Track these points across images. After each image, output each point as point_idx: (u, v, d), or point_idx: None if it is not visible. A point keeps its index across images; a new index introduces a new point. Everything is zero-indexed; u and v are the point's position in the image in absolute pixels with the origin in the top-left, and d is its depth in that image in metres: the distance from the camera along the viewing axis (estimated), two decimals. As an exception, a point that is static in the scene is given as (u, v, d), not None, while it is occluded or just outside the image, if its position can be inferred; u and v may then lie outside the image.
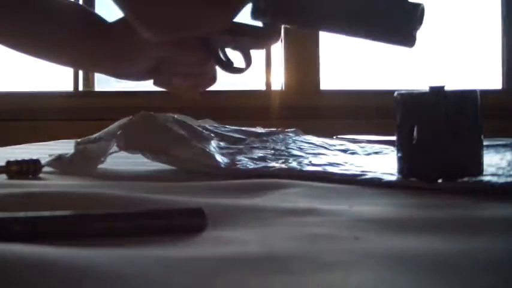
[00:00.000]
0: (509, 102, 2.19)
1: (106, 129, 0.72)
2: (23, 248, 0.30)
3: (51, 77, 2.29)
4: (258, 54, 0.65)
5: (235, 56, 0.69)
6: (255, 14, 0.61)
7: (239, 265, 0.29)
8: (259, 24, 0.64)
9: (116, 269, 0.28)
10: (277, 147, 0.76)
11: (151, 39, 0.61)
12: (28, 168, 0.64)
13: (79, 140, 0.72)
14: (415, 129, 0.53)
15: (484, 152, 0.55)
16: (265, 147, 0.76)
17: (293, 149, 0.76)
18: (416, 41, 0.56)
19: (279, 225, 0.39)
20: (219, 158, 0.67)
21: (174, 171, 0.69)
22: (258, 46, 0.66)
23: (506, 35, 2.30)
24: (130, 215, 0.37)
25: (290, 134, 0.86)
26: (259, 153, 0.72)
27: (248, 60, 0.68)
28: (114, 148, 0.68)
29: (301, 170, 0.63)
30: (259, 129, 0.85)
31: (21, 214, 0.35)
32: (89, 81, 2.32)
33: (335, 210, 0.43)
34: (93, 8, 2.26)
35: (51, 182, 0.61)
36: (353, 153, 0.77)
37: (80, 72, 2.30)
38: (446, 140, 0.53)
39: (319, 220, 0.40)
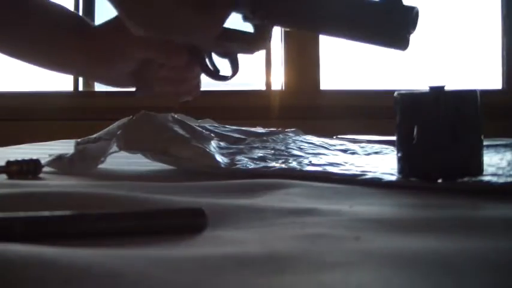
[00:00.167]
0: (509, 102, 2.19)
1: (106, 129, 0.72)
2: (23, 248, 0.30)
3: (51, 77, 2.29)
4: (248, 60, 0.65)
5: (221, 63, 0.68)
6: (246, 16, 0.61)
7: (239, 265, 0.29)
8: (248, 29, 0.63)
9: (116, 269, 0.28)
10: (277, 147, 0.76)
11: (139, 34, 0.60)
12: (28, 168, 0.64)
13: (79, 140, 0.72)
14: (415, 129, 0.53)
15: (484, 152, 0.55)
16: (265, 147, 0.76)
17: (293, 149, 0.76)
18: (409, 44, 0.56)
19: (279, 225, 0.39)
20: (219, 158, 0.67)
21: (174, 171, 0.69)
22: (246, 51, 0.65)
23: (506, 35, 2.30)
24: (130, 215, 0.37)
25: (290, 134, 0.86)
26: (259, 153, 0.72)
27: (235, 67, 0.68)
28: (114, 148, 0.68)
29: (301, 170, 0.63)
30: (259, 129, 0.85)
31: (21, 214, 0.35)
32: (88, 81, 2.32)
33: (335, 210, 0.43)
34: (93, 8, 2.26)
35: (51, 182, 0.61)
36: (353, 153, 0.77)
37: (80, 72, 2.30)
38: (446, 140, 0.53)
39: (319, 220, 0.40)
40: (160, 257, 0.30)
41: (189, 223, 0.38)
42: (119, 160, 0.74)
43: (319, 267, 0.29)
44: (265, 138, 0.81)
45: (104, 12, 0.67)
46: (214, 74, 0.69)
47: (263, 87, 2.33)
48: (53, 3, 0.74)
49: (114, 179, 0.59)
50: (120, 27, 0.61)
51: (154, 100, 0.74)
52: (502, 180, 0.52)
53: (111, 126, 0.73)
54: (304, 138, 0.84)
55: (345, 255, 0.31)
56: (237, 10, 0.61)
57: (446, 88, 0.53)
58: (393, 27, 0.56)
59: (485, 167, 0.55)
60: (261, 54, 2.28)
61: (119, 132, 0.68)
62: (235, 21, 0.63)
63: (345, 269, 0.29)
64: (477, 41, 2.36)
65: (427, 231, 0.37)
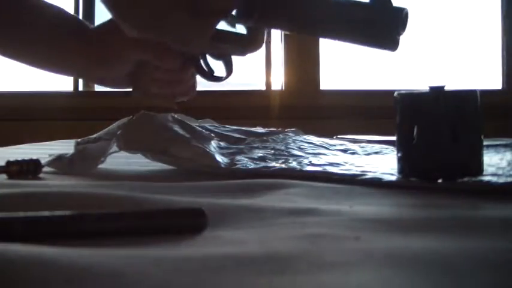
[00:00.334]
0: (509, 102, 2.19)
1: (106, 129, 0.73)
2: (23, 248, 0.30)
3: (51, 77, 2.29)
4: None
5: (216, 64, 0.69)
6: (239, 18, 0.61)
7: (239, 265, 0.29)
8: (241, 31, 0.63)
9: (116, 269, 0.28)
10: (277, 147, 0.76)
11: (133, 36, 0.61)
12: (28, 168, 0.64)
13: (79, 140, 0.72)
14: (415, 129, 0.53)
15: (484, 152, 0.55)
16: (265, 147, 0.76)
17: (293, 148, 0.76)
18: (399, 45, 0.56)
19: (279, 225, 0.39)
20: (219, 158, 0.67)
21: (174, 171, 0.69)
22: (239, 52, 0.66)
23: (506, 35, 2.30)
24: (130, 215, 0.37)
25: (290, 134, 0.86)
26: (259, 153, 0.72)
27: (229, 68, 0.68)
28: (114, 148, 0.68)
29: (301, 170, 0.63)
30: (259, 129, 0.85)
31: (21, 214, 0.35)
32: (88, 81, 2.32)
33: (335, 210, 0.43)
34: (93, 10, 2.26)
35: (51, 182, 0.61)
36: (353, 153, 0.77)
37: (80, 72, 2.30)
38: (446, 140, 0.53)
39: (319, 220, 0.40)
40: (160, 257, 0.30)
41: (189, 223, 0.38)
42: (119, 160, 0.74)
43: (319, 267, 0.29)
44: (265, 138, 0.81)
45: (104, 14, 0.67)
46: (209, 75, 0.69)
47: (263, 87, 2.33)
48: (52, 5, 0.74)
49: (114, 179, 0.59)
50: (115, 29, 0.61)
51: (151, 101, 0.74)
52: (502, 180, 0.52)
53: (111, 126, 0.73)
54: (304, 138, 0.84)
55: (345, 255, 0.31)
56: (232, 16, 0.61)
57: (446, 88, 0.53)
58: (383, 28, 0.56)
59: (485, 167, 0.55)
60: (260, 54, 2.28)
61: (119, 132, 0.68)
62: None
63: (345, 269, 0.29)
64: (477, 41, 2.36)
65: (427, 231, 0.37)
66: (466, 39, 2.36)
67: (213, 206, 0.42)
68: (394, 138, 0.56)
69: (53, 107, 2.18)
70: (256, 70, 2.32)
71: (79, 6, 2.28)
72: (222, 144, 0.75)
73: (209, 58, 0.69)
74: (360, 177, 0.58)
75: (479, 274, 0.28)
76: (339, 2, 0.58)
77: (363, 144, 0.84)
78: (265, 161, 0.68)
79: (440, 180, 0.53)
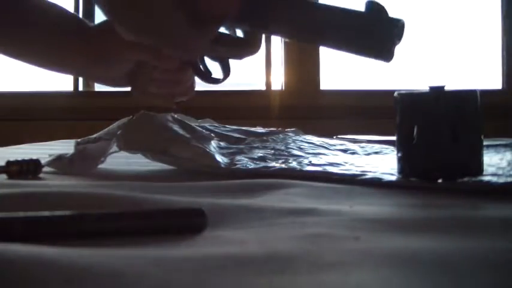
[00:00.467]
0: (509, 102, 2.19)
1: (106, 129, 0.73)
2: (23, 248, 0.30)
3: (51, 77, 2.29)
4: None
5: (214, 66, 0.69)
6: (236, 22, 0.61)
7: (239, 265, 0.29)
8: (239, 34, 0.63)
9: (116, 269, 0.28)
10: (277, 147, 0.76)
11: (130, 39, 0.61)
12: (28, 168, 0.64)
13: (79, 140, 0.72)
14: (415, 129, 0.53)
15: (484, 152, 0.55)
16: (265, 147, 0.76)
17: (293, 148, 0.76)
18: (394, 56, 0.56)
19: (279, 225, 0.39)
20: (219, 158, 0.67)
21: (174, 171, 0.69)
22: (236, 56, 0.66)
23: (506, 35, 2.30)
24: (130, 215, 0.37)
25: (290, 134, 0.86)
26: (259, 153, 0.72)
27: (226, 71, 0.68)
28: (114, 148, 0.68)
29: (301, 170, 0.63)
30: (259, 129, 0.85)
31: (21, 214, 0.35)
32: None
33: (335, 210, 0.43)
34: (93, 9, 2.26)
35: (51, 182, 0.61)
36: (353, 153, 0.77)
37: (80, 72, 2.30)
38: (446, 140, 0.53)
39: (319, 220, 0.40)
40: (160, 257, 0.30)
41: (189, 223, 0.38)
42: (119, 160, 0.74)
43: (319, 267, 0.29)
44: (265, 138, 0.81)
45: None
46: (207, 77, 0.70)
47: (263, 87, 2.33)
48: (52, 4, 0.74)
49: (114, 179, 0.59)
50: (113, 29, 0.61)
51: (150, 100, 0.74)
52: (502, 180, 0.52)
53: (111, 126, 0.73)
54: (304, 138, 0.84)
55: (345, 255, 0.31)
56: (231, 22, 0.62)
57: (446, 88, 0.53)
58: (377, 38, 0.56)
59: (485, 167, 0.55)
60: (260, 54, 2.28)
61: (119, 132, 0.68)
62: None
63: (345, 269, 0.29)
64: (477, 41, 2.36)
65: (426, 231, 0.37)
66: (466, 39, 2.36)
67: (213, 206, 0.42)
68: (394, 138, 0.56)
69: (53, 107, 2.18)
70: (256, 70, 2.32)
71: (79, 5, 2.28)
72: (222, 144, 0.75)
73: (207, 60, 0.69)
74: (360, 177, 0.58)
75: (479, 274, 0.28)
76: (334, 11, 0.58)
77: (363, 144, 0.84)
78: (265, 161, 0.68)
79: (440, 180, 0.53)
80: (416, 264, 0.30)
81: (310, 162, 0.67)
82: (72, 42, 0.72)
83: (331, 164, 0.65)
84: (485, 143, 0.56)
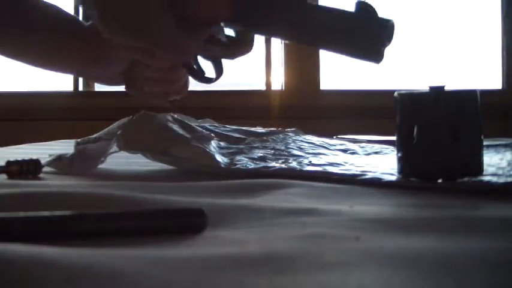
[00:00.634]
0: (509, 102, 2.19)
1: (106, 129, 0.73)
2: (23, 248, 0.30)
3: (51, 77, 2.29)
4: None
5: (207, 65, 0.69)
6: (228, 22, 0.61)
7: (239, 265, 0.29)
8: (231, 33, 0.64)
9: (116, 269, 0.28)
10: (277, 147, 0.76)
11: (116, 41, 0.61)
12: (28, 168, 0.64)
13: (79, 140, 0.72)
14: (415, 129, 0.53)
15: (484, 152, 0.55)
16: (265, 147, 0.76)
17: (293, 148, 0.76)
18: (383, 57, 0.55)
19: (279, 225, 0.39)
20: (219, 158, 0.67)
21: (174, 171, 0.69)
22: (229, 56, 0.66)
23: (506, 35, 2.30)
24: (130, 215, 0.37)
25: (290, 134, 0.85)
26: (259, 153, 0.72)
27: (219, 70, 0.68)
28: (114, 148, 0.68)
29: (301, 170, 0.63)
30: (259, 129, 0.85)
31: (21, 214, 0.35)
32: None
33: (335, 210, 0.43)
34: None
35: (51, 182, 0.61)
36: (353, 153, 0.77)
37: (80, 72, 2.30)
38: (446, 140, 0.53)
39: (319, 220, 0.40)
40: (160, 257, 0.30)
41: (189, 223, 0.38)
42: (119, 160, 0.74)
43: (319, 267, 0.29)
44: (265, 138, 0.81)
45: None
46: (200, 76, 0.70)
47: (263, 87, 2.33)
48: (50, 4, 0.74)
49: (114, 179, 0.59)
50: None
51: (144, 99, 0.74)
52: (502, 180, 0.52)
53: (111, 126, 0.73)
54: (304, 138, 0.84)
55: (345, 255, 0.31)
56: (224, 23, 0.62)
57: (446, 88, 0.53)
58: (367, 39, 0.55)
59: (485, 167, 0.55)
60: (260, 54, 2.29)
61: (119, 132, 0.68)
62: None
63: (345, 269, 0.29)
64: (477, 41, 2.36)
65: (427, 231, 0.37)
66: (466, 39, 2.36)
67: (213, 206, 0.42)
68: (394, 138, 0.56)
69: (53, 107, 2.18)
70: (256, 70, 2.32)
71: (79, 7, 2.28)
72: (222, 144, 0.75)
73: (200, 60, 0.69)
74: (360, 177, 0.58)
75: (479, 274, 0.28)
76: (323, 11, 0.58)
77: (363, 144, 0.84)
78: (265, 161, 0.68)
79: (440, 180, 0.53)
80: (417, 264, 0.30)
81: (310, 162, 0.67)
82: (72, 42, 0.72)
83: (331, 164, 0.65)
84: (485, 143, 0.56)
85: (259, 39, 0.65)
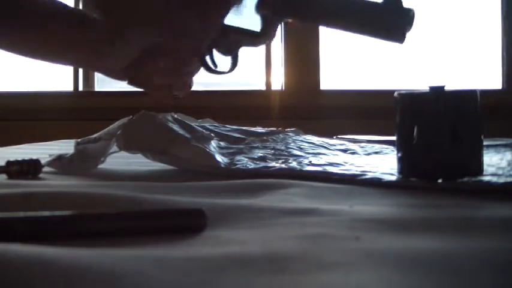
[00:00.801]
0: (509, 102, 2.19)
1: (106, 129, 0.73)
2: (23, 248, 0.30)
3: (51, 77, 2.29)
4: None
5: (221, 59, 0.70)
6: (258, 7, 0.65)
7: (239, 265, 0.29)
8: (254, 28, 0.66)
9: (116, 269, 0.28)
10: (277, 147, 0.76)
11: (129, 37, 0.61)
12: (28, 168, 0.64)
13: (79, 140, 0.72)
14: (415, 129, 0.53)
15: (484, 152, 0.55)
16: (265, 147, 0.76)
17: (293, 148, 0.76)
18: (406, 39, 0.64)
19: (279, 225, 0.39)
20: (219, 158, 0.67)
21: (174, 171, 0.69)
22: (252, 43, 0.69)
23: (506, 35, 2.30)
24: (130, 215, 0.37)
25: (290, 134, 0.86)
26: (259, 153, 0.72)
27: (234, 63, 0.70)
28: (114, 148, 0.68)
29: (301, 170, 0.63)
30: (259, 129, 0.85)
31: (21, 214, 0.35)
32: (88, 81, 2.32)
33: (335, 210, 0.43)
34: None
35: (51, 182, 0.61)
36: (353, 153, 0.77)
37: (80, 72, 2.30)
38: (446, 140, 0.53)
39: (319, 220, 0.40)
40: (160, 257, 0.30)
41: (189, 223, 0.38)
42: (119, 160, 0.74)
43: (319, 267, 0.29)
44: (265, 138, 0.81)
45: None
46: (212, 69, 0.70)
47: (263, 87, 2.33)
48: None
49: (114, 179, 0.59)
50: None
51: (147, 92, 0.74)
52: (502, 180, 0.52)
53: (111, 126, 0.73)
54: (304, 138, 0.84)
55: (345, 255, 0.31)
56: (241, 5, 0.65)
57: (446, 88, 0.53)
58: (393, 24, 0.63)
59: (485, 167, 0.55)
60: (260, 54, 2.29)
61: (119, 132, 0.68)
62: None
63: (345, 269, 0.29)
64: (477, 41, 2.36)
65: (426, 231, 0.37)
66: (466, 39, 2.36)
67: (213, 206, 0.42)
68: (394, 138, 0.56)
69: (53, 107, 2.18)
70: (256, 70, 2.32)
71: (79, 6, 2.28)
72: (222, 144, 0.75)
73: (215, 52, 0.70)
74: (359, 177, 0.58)
75: (479, 274, 0.28)
76: (358, 1, 0.66)
77: (362, 144, 0.84)
78: (265, 161, 0.68)
79: (440, 180, 0.53)
80: (417, 264, 0.30)
81: (310, 162, 0.67)
82: (74, 33, 0.71)
83: (331, 164, 0.65)
84: (485, 143, 0.56)
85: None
